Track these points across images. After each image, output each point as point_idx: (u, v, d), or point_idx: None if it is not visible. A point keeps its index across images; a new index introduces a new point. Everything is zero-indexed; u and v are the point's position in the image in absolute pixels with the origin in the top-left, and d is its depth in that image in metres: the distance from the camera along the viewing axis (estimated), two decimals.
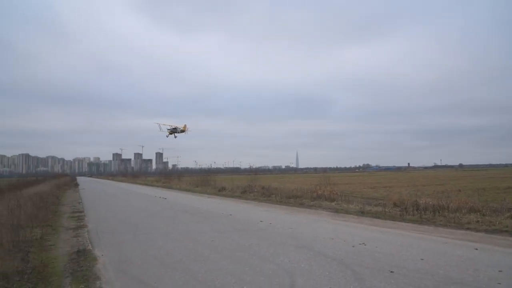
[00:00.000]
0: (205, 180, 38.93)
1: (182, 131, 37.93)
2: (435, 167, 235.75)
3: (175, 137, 38.45)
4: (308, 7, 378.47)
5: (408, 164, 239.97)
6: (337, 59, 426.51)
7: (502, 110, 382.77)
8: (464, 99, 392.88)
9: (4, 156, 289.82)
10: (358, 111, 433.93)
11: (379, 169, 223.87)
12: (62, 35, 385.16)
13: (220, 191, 30.78)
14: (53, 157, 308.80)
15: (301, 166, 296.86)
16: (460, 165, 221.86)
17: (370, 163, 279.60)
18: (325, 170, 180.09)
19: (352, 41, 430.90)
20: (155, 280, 6.18)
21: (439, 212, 13.18)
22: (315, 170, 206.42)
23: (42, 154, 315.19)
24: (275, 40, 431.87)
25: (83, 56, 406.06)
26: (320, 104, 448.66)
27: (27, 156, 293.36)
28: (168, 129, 38.35)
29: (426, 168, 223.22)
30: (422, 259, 7.02)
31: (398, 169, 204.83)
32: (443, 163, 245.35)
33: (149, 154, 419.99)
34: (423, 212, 13.44)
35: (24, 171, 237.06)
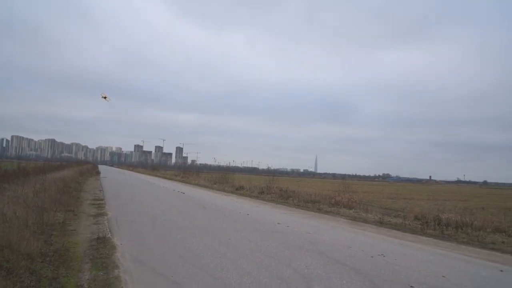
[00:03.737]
0: (223, 178, 39.17)
1: (105, 98, 77.01)
2: (458, 182, 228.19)
3: (106, 99, 78.24)
4: (344, 8, 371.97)
5: (430, 177, 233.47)
6: (369, 63, 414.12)
7: None
8: (502, 113, 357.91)
9: (32, 140, 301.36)
10: (385, 118, 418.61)
11: (399, 179, 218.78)
12: (93, 23, 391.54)
13: (238, 190, 30.86)
14: (77, 144, 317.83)
15: (319, 170, 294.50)
16: (484, 182, 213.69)
17: (390, 173, 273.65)
18: (343, 176, 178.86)
19: (386, 45, 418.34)
20: (172, 273, 6.23)
21: (461, 229, 12.75)
22: (334, 175, 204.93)
23: (67, 140, 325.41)
24: (309, 40, 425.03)
25: (114, 46, 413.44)
26: (345, 108, 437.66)
27: (53, 141, 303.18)
28: (104, 97, 76.23)
29: (448, 182, 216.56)
30: (443, 277, 6.80)
31: (419, 181, 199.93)
32: (467, 179, 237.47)
33: (169, 148, 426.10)
34: (445, 227, 13.04)
35: (49, 156, 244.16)
